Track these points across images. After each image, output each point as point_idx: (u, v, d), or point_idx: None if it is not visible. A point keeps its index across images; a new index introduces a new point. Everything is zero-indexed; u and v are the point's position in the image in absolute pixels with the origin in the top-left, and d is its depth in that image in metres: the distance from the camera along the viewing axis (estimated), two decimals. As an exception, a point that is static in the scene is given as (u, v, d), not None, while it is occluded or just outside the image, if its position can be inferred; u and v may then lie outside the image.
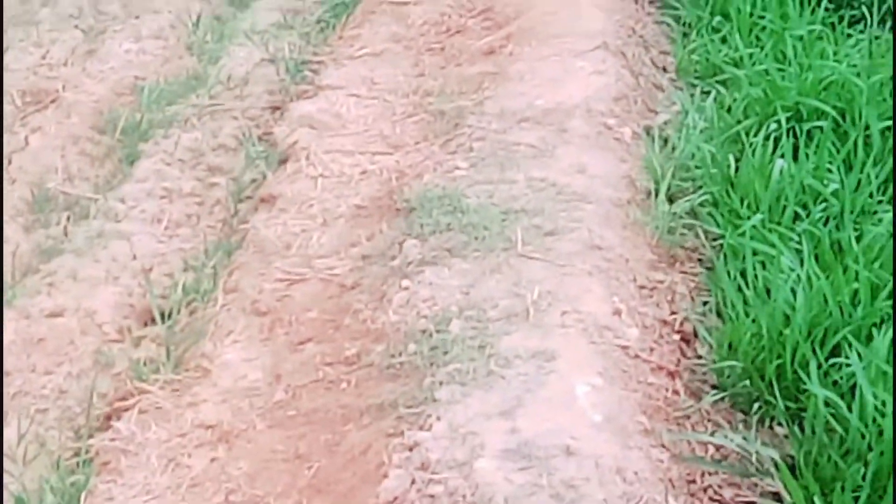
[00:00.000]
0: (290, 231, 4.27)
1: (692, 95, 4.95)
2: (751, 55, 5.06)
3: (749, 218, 3.98)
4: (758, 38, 5.21)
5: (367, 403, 3.40)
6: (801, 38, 5.08)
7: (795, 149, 4.36)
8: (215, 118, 5.14)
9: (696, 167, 4.39)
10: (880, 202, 4.11)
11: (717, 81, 5.01)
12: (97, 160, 4.84)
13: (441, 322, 3.61)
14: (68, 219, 4.43)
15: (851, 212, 3.99)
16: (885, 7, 5.36)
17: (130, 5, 6.26)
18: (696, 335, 3.67)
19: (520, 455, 3.03)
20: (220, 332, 3.82)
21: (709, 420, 3.37)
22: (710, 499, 3.13)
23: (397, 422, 3.26)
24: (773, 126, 4.45)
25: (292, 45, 5.81)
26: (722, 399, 3.43)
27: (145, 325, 3.93)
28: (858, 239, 3.81)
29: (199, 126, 5.06)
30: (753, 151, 4.31)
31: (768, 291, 3.60)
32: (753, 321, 3.48)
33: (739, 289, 3.70)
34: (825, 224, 3.96)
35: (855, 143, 4.29)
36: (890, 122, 4.42)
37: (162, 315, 3.93)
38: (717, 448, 3.27)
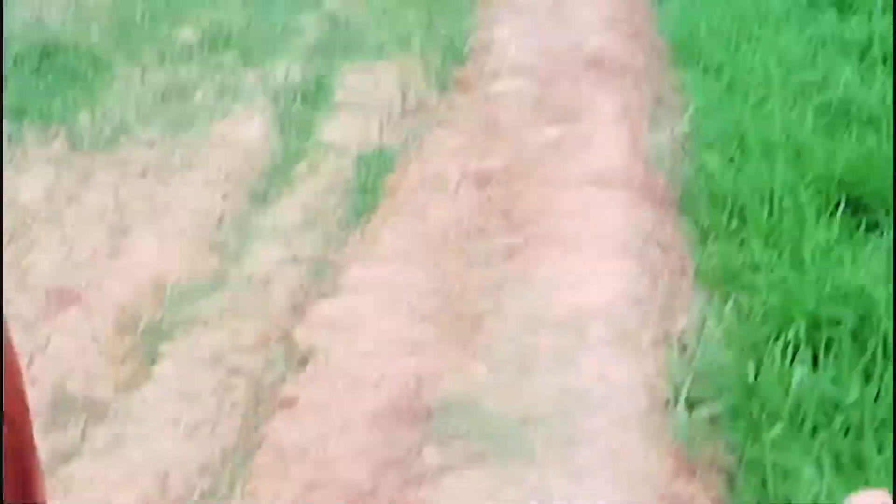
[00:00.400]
0: (309, 435, 4.26)
1: (711, 301, 4.97)
2: (769, 261, 5.10)
3: (769, 428, 3.97)
4: (776, 244, 5.25)
5: None
6: (818, 244, 5.12)
7: (815, 357, 4.36)
8: (237, 318, 5.17)
9: (715, 375, 4.39)
10: (901, 411, 4.09)
11: (735, 287, 5.03)
12: (118, 361, 4.86)
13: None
14: (86, 421, 4.43)
15: (872, 423, 3.97)
16: (901, 214, 5.41)
17: (155, 203, 6.35)
18: (716, 549, 3.64)
19: None
20: (236, 540, 3.80)
21: None
22: None
23: None
24: (792, 334, 4.45)
25: (314, 245, 5.86)
26: None
27: (162, 531, 3.91)
28: (880, 451, 3.79)
29: (221, 326, 5.09)
30: (772, 360, 4.31)
31: (789, 505, 3.57)
32: (775, 537, 3.45)
33: (762, 498, 3.67)
34: (846, 435, 3.94)
35: (874, 353, 4.30)
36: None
37: (179, 522, 3.91)
38: None
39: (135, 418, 4.45)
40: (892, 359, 4.28)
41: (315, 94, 7.80)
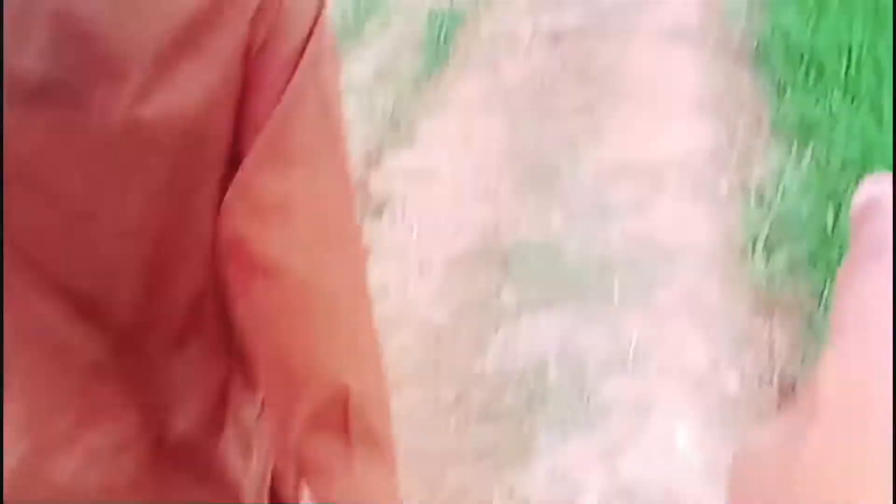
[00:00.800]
0: (387, 279, 4.30)
1: (788, 152, 4.94)
2: (847, 114, 5.05)
3: (848, 272, 3.95)
4: (854, 98, 5.20)
5: (465, 447, 3.41)
6: (897, 95, 5.07)
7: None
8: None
9: (793, 222, 4.38)
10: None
11: (813, 138, 4.99)
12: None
13: (539, 369, 3.63)
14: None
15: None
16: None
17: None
18: (794, 389, 3.65)
19: (621, 500, 3.04)
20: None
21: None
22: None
23: (497, 466, 3.27)
24: (872, 181, 4.42)
25: (388, 98, 5.86)
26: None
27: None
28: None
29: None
30: (851, 207, 4.29)
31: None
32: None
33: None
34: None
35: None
36: None
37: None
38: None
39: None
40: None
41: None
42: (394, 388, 3.74)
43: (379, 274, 4.34)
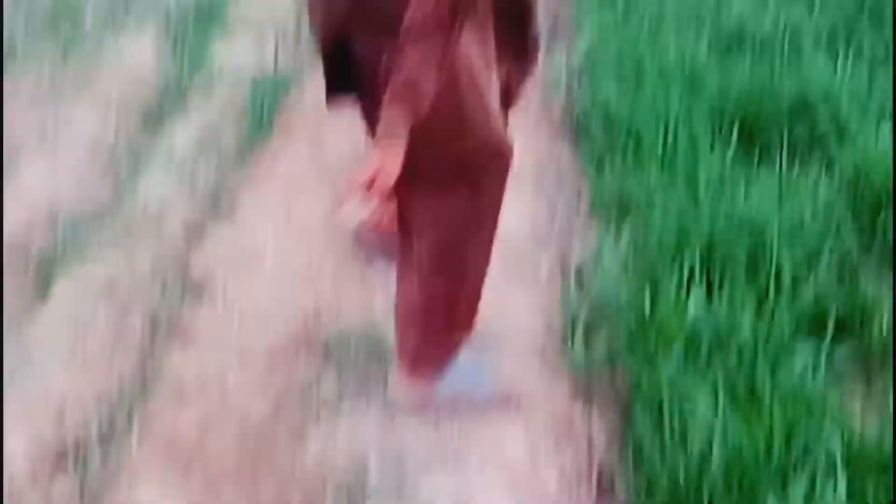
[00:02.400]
0: (207, 369, 4.24)
1: (607, 230, 4.99)
2: (664, 190, 5.13)
3: (665, 359, 4.01)
4: (671, 174, 5.28)
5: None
6: (713, 175, 5.16)
7: (710, 287, 4.41)
8: (131, 249, 5.08)
9: (612, 305, 4.42)
10: (793, 342, 4.14)
11: (630, 216, 5.05)
12: (9, 294, 4.76)
13: (359, 468, 3.61)
14: (-21, 355, 4.35)
15: (765, 355, 4.02)
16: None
17: (45, 132, 6.22)
18: (613, 482, 3.68)
19: None
20: (135, 475, 3.77)
21: (627, 570, 3.38)
22: None
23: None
24: (687, 265, 4.50)
25: (209, 172, 5.78)
26: (641, 549, 3.43)
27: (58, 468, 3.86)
28: (773, 383, 3.85)
29: (115, 257, 5.01)
30: (668, 290, 4.35)
31: (685, 436, 3.62)
32: (670, 469, 3.49)
33: (658, 428, 3.70)
34: (740, 366, 3.98)
35: (767, 285, 4.36)
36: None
37: (76, 459, 3.86)
38: None
39: (28, 353, 4.38)
40: (783, 291, 4.36)
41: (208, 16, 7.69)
42: (214, 486, 3.68)
43: (199, 364, 4.29)
